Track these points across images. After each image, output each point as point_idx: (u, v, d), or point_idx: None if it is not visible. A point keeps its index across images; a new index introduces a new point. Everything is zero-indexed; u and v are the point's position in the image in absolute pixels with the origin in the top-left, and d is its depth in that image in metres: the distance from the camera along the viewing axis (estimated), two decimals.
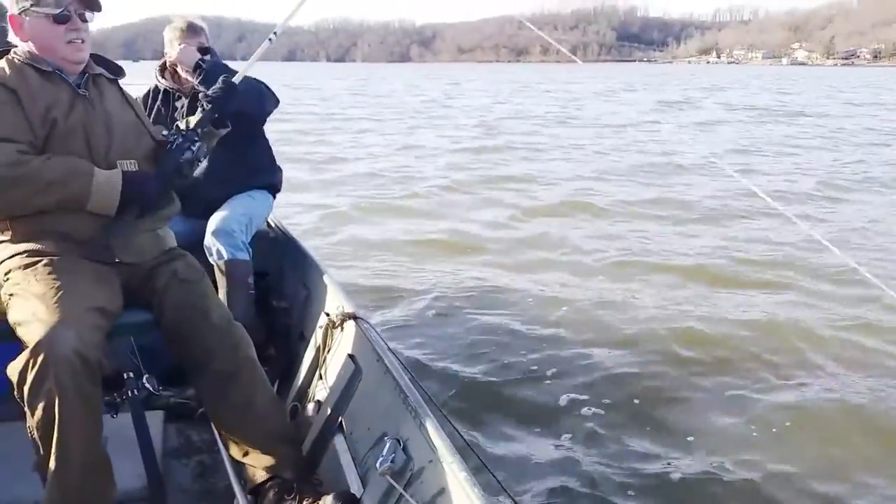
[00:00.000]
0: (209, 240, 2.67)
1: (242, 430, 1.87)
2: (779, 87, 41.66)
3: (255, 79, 2.72)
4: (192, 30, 2.76)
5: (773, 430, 3.15)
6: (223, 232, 2.66)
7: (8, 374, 1.58)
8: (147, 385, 2.19)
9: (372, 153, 12.50)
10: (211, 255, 2.66)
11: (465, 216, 7.50)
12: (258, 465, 1.86)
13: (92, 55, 2.00)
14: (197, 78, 2.53)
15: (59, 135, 1.81)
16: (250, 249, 2.77)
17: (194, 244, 2.56)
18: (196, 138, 1.94)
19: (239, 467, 1.92)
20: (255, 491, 1.87)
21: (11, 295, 1.72)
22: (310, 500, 1.76)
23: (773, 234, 6.58)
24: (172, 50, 2.75)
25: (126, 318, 1.84)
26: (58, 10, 1.79)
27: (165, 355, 2.39)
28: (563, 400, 3.34)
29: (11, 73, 1.82)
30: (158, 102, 2.87)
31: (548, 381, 3.54)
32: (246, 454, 1.88)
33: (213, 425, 2.01)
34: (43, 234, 1.77)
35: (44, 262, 1.74)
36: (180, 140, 1.94)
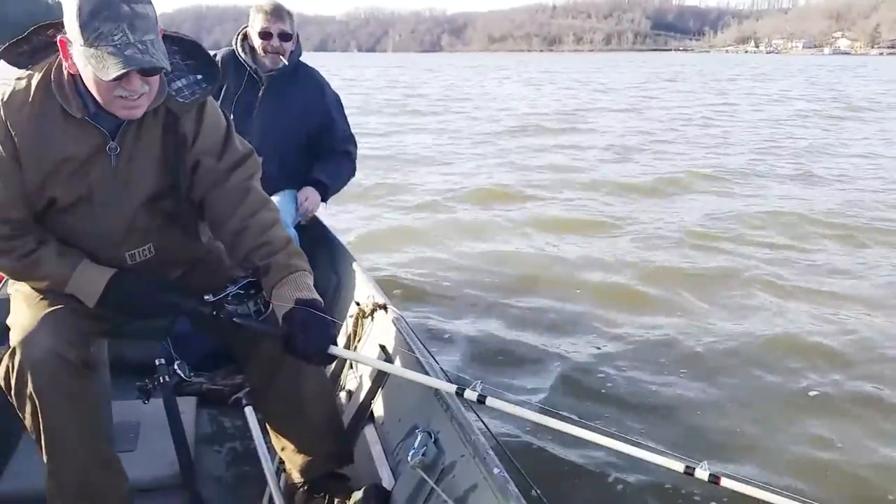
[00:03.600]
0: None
1: (287, 418, 1.81)
2: None
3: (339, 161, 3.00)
4: (276, 13, 2.80)
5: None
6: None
7: None
8: (178, 371, 2.18)
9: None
10: None
11: (503, 212, 7.25)
12: (296, 453, 1.81)
13: (182, 44, 1.62)
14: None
15: (58, 210, 1.59)
16: (298, 244, 2.83)
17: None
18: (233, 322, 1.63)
19: (273, 454, 1.90)
20: (288, 479, 1.85)
21: (10, 296, 1.72)
22: (342, 493, 1.74)
23: None
24: (254, 28, 2.81)
25: (154, 322, 1.84)
26: (106, 76, 1.37)
27: (198, 341, 2.41)
28: (603, 400, 3.22)
29: (31, 110, 1.49)
30: (230, 73, 2.84)
31: (586, 380, 3.41)
32: (286, 442, 1.83)
33: (246, 411, 2.00)
34: None
35: None
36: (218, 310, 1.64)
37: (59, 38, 1.43)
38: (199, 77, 1.62)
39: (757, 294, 4.73)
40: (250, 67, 2.85)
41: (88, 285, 1.61)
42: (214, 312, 1.63)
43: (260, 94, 2.87)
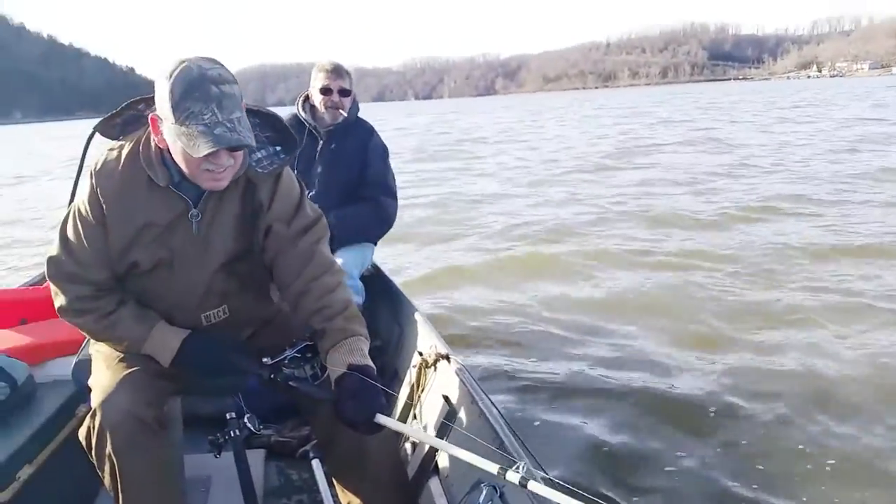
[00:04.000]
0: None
1: (352, 473, 1.84)
2: None
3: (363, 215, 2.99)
4: (336, 71, 2.97)
5: None
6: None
7: (79, 438, 1.67)
8: (248, 424, 2.22)
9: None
10: None
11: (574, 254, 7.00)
12: None
13: (262, 117, 1.70)
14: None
15: (139, 273, 1.67)
16: (364, 295, 2.91)
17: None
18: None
19: None
20: None
21: (91, 356, 1.83)
22: None
23: None
24: (315, 86, 2.98)
25: (225, 380, 1.88)
26: (196, 153, 1.45)
27: (268, 393, 2.46)
28: (672, 457, 3.05)
29: (120, 178, 1.59)
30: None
31: (654, 446, 3.18)
32: (352, 496, 1.85)
33: (313, 464, 2.02)
34: None
35: None
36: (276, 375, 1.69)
37: (150, 115, 1.53)
38: (278, 149, 1.71)
39: (859, 337, 4.37)
40: (310, 125, 3.00)
41: (163, 346, 1.69)
42: (272, 376, 1.68)
43: (319, 148, 3.00)
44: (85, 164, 2.11)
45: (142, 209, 1.60)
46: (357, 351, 1.64)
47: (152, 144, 1.57)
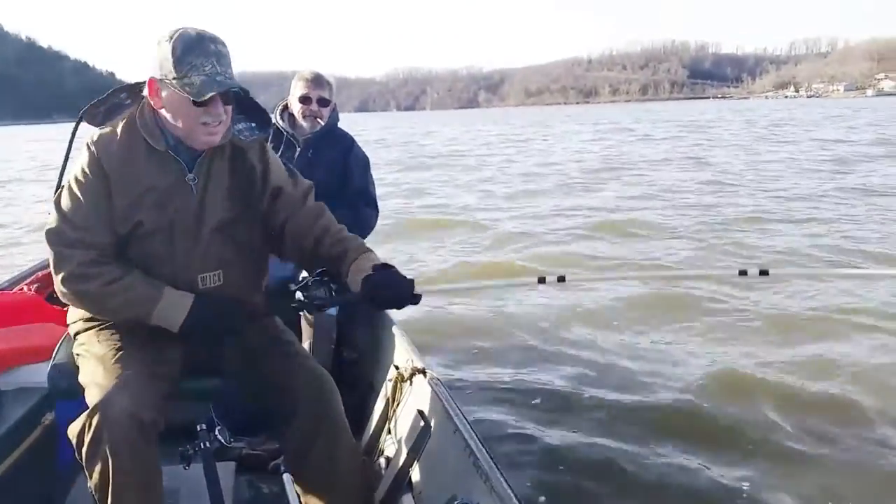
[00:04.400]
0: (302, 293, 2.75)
1: (322, 484, 1.83)
2: None
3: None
4: (316, 81, 2.97)
5: None
6: None
7: (68, 434, 1.63)
8: (219, 437, 2.19)
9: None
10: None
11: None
12: None
13: (242, 100, 1.82)
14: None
15: (141, 235, 1.73)
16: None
17: (284, 287, 2.63)
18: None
19: None
20: None
21: (79, 355, 1.79)
22: None
23: None
24: (294, 95, 2.97)
25: (203, 384, 1.86)
26: (200, 97, 1.61)
27: (239, 405, 2.43)
28: (654, 470, 3.05)
29: (119, 146, 1.70)
30: (270, 143, 2.99)
31: (630, 450, 3.20)
32: None
33: (284, 478, 2.00)
34: None
35: (108, 323, 1.79)
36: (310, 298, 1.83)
37: (148, 78, 1.67)
38: (254, 124, 1.88)
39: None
40: (288, 133, 2.99)
41: (174, 309, 1.72)
42: (300, 297, 1.83)
43: (295, 155, 2.98)
44: (73, 149, 2.10)
45: (143, 173, 1.70)
46: (378, 260, 1.80)
47: (147, 111, 1.71)
